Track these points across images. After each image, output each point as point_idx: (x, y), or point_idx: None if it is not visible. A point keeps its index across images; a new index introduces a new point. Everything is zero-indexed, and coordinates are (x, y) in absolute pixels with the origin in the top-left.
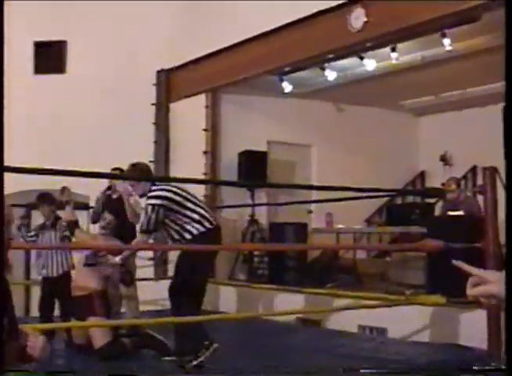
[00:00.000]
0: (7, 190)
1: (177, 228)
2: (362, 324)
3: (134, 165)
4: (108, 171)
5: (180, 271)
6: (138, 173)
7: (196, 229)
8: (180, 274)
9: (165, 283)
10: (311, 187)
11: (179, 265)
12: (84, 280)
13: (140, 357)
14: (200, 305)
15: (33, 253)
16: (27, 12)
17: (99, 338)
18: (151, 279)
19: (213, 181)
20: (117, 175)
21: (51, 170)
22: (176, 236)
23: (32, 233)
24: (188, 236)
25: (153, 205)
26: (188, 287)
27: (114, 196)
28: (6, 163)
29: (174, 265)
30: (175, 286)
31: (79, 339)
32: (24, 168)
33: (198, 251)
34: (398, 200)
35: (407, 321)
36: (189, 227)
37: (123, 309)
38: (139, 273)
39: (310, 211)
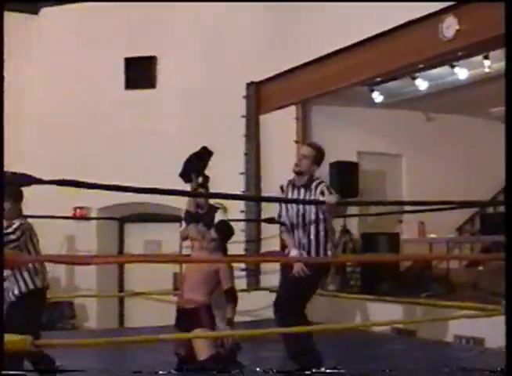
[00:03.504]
0: (101, 203)
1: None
2: (458, 334)
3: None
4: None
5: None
6: None
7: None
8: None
9: (257, 294)
10: (402, 203)
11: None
12: (192, 294)
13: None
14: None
15: None
16: (118, 29)
17: (204, 350)
18: (245, 290)
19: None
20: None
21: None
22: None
23: None
24: (322, 251)
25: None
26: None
27: (201, 211)
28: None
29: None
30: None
31: (182, 350)
32: (115, 186)
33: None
34: (490, 209)
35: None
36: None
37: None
38: None
39: (400, 221)
